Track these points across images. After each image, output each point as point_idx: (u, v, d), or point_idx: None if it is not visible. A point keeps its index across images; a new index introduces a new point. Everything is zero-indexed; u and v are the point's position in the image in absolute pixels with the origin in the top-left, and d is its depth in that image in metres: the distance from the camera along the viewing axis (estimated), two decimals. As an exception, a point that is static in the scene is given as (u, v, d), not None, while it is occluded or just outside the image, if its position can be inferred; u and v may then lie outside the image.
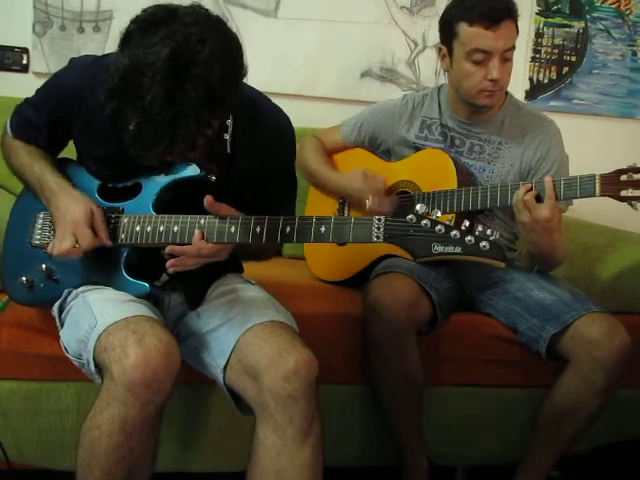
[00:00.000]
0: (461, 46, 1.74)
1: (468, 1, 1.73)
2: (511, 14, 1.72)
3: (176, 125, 1.12)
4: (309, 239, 1.25)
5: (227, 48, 1.17)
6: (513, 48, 1.74)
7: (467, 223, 1.15)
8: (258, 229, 1.27)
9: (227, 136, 1.39)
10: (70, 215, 1.36)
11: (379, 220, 1.20)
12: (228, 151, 1.40)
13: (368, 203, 1.79)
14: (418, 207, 1.18)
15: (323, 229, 1.24)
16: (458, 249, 1.14)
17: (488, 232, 1.15)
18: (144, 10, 1.17)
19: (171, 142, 1.14)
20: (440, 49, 1.83)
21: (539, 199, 1.62)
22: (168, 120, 1.11)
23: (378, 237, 1.19)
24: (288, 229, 1.26)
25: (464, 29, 1.72)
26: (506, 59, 1.73)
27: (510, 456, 1.87)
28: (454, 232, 1.15)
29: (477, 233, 1.15)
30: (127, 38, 1.15)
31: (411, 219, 1.17)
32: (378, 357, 1.70)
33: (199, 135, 1.17)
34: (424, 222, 1.16)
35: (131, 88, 1.12)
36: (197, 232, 1.29)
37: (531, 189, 1.63)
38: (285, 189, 1.53)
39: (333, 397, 1.74)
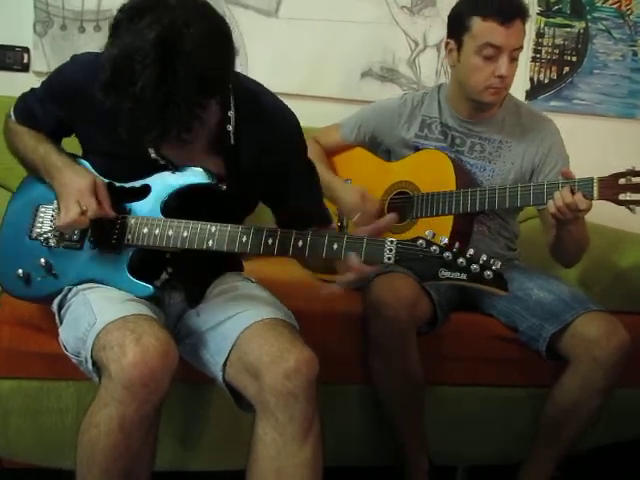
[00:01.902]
0: (472, 40, 1.74)
1: None
2: (523, 15, 1.74)
3: (168, 108, 1.12)
4: (321, 254, 1.27)
5: (213, 28, 1.18)
6: (521, 48, 1.76)
7: (472, 251, 1.22)
8: (270, 241, 1.29)
9: (230, 127, 1.39)
10: (75, 185, 1.37)
11: (391, 242, 1.25)
12: (232, 142, 1.40)
13: (356, 220, 1.84)
14: (427, 232, 1.24)
15: (336, 246, 1.27)
16: (463, 276, 1.21)
17: (492, 261, 1.21)
18: None
19: (165, 127, 1.15)
20: (447, 43, 1.83)
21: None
22: (160, 104, 1.12)
23: (390, 258, 1.24)
24: (300, 243, 1.28)
25: (477, 23, 1.73)
26: (513, 58, 1.75)
27: (511, 455, 1.87)
28: (460, 260, 1.21)
29: (481, 262, 1.21)
30: (116, 27, 1.16)
31: (421, 244, 1.24)
32: (379, 356, 1.70)
33: (193, 117, 1.16)
34: (433, 248, 1.23)
35: (123, 77, 1.12)
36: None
37: (573, 191, 1.58)
38: (303, 172, 1.51)
39: (333, 397, 1.73)
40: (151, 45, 1.10)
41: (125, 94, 1.12)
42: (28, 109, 1.50)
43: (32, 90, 1.51)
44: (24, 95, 1.52)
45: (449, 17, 1.83)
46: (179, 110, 1.13)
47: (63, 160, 1.43)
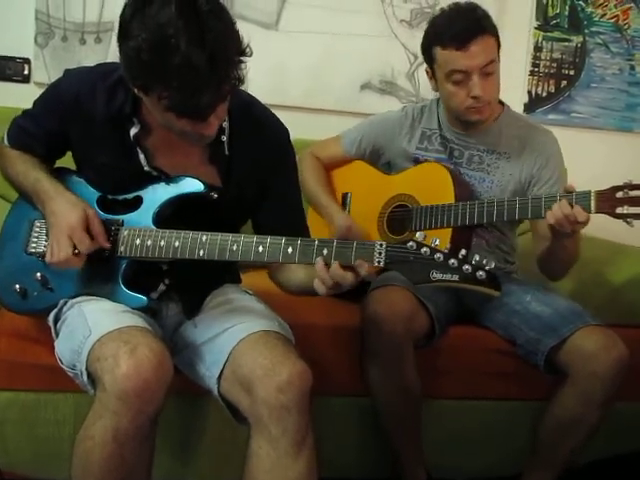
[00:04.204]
0: (440, 69, 1.77)
1: (439, 25, 1.76)
2: (483, 30, 1.71)
3: (217, 63, 1.16)
4: (311, 260, 1.27)
5: None
6: (493, 62, 1.73)
7: (464, 252, 1.20)
8: (260, 248, 1.29)
9: (224, 138, 1.42)
10: (65, 220, 1.35)
11: (381, 245, 1.23)
12: (226, 153, 1.42)
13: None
14: (418, 235, 1.22)
15: (325, 251, 1.26)
16: (455, 277, 1.19)
17: (484, 262, 1.19)
18: None
19: (218, 80, 1.18)
20: (427, 71, 1.85)
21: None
22: (207, 59, 1.15)
23: (379, 262, 1.23)
24: (290, 250, 1.28)
25: (439, 53, 1.75)
26: (487, 73, 1.73)
27: (508, 469, 1.87)
28: (452, 260, 1.19)
29: (474, 262, 1.19)
30: (129, 20, 1.18)
31: (411, 246, 1.22)
32: (376, 369, 1.70)
33: (235, 70, 1.21)
34: (424, 249, 1.21)
35: (162, 54, 1.14)
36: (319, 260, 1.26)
37: (571, 204, 1.57)
38: (290, 178, 1.54)
39: (330, 409, 1.74)
40: (176, 14, 1.14)
41: (170, 68, 1.14)
42: (21, 129, 1.50)
43: (24, 112, 1.51)
44: (15, 119, 1.52)
45: (420, 48, 1.84)
46: (225, 60, 1.18)
47: (55, 187, 1.41)
